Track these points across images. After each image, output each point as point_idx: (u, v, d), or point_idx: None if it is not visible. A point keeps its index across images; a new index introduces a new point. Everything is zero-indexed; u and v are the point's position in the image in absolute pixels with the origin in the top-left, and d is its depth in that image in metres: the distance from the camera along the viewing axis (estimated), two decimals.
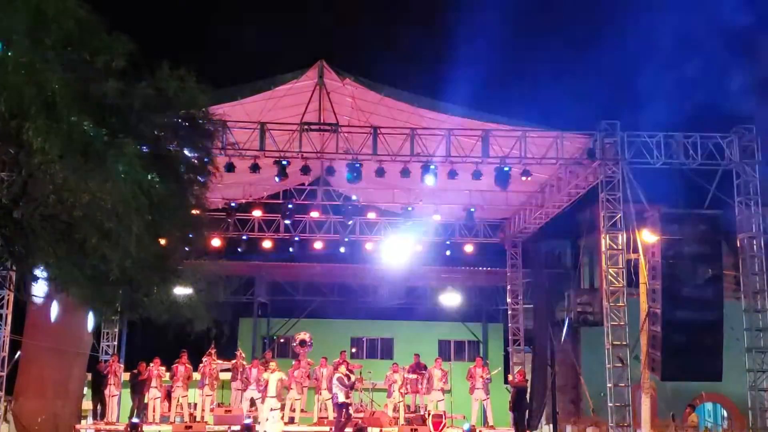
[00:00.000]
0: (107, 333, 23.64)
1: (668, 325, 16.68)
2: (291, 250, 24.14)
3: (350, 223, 23.64)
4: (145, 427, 18.42)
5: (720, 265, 17.11)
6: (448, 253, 24.91)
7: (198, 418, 19.44)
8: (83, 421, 20.59)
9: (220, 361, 20.17)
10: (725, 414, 24.88)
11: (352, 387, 17.17)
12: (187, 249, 12.49)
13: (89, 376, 21.26)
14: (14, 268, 12.58)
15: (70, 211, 10.31)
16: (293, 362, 20.30)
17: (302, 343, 20.54)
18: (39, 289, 14.09)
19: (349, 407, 17.05)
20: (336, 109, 19.02)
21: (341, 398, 16.42)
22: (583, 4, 38.65)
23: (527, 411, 19.96)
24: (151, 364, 19.73)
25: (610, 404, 16.97)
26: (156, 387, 19.63)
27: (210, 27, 40.04)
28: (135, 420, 17.99)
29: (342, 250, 24.37)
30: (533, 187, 21.01)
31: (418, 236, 24.11)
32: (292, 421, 19.44)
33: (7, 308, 17.21)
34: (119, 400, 20.10)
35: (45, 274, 11.15)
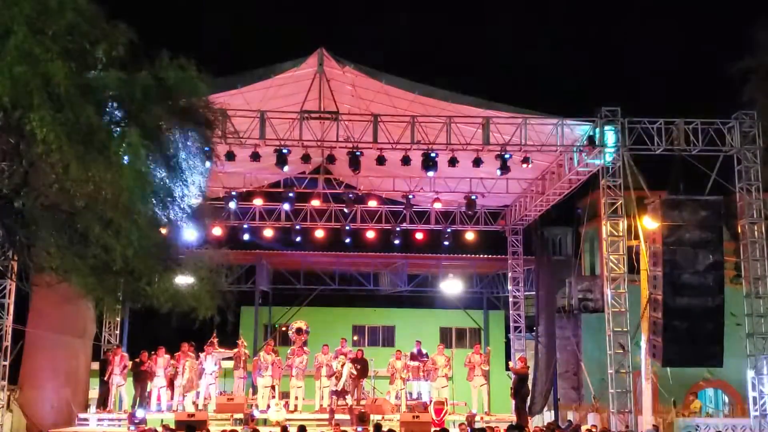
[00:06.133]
0: (110, 322, 23.69)
1: (669, 311, 16.65)
2: (295, 239, 24.11)
3: (348, 209, 23.52)
4: (148, 416, 18.48)
5: (721, 251, 17.05)
6: (446, 243, 24.87)
7: (201, 407, 19.50)
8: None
9: (221, 350, 20.22)
10: (726, 399, 24.95)
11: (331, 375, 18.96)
12: (188, 238, 12.50)
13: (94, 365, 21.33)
14: (16, 257, 12.61)
15: (71, 200, 10.32)
16: (289, 349, 20.39)
17: (299, 331, 20.65)
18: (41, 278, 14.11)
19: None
20: (336, 97, 18.95)
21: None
22: None
23: (528, 397, 20.01)
24: (154, 353, 19.77)
25: (612, 390, 17.01)
26: (159, 376, 19.68)
27: (209, 15, 39.97)
28: (137, 411, 18.01)
29: (346, 241, 24.34)
30: (534, 174, 20.98)
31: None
32: (295, 408, 19.53)
33: (9, 298, 17.24)
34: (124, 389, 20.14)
35: (47, 264, 11.15)
